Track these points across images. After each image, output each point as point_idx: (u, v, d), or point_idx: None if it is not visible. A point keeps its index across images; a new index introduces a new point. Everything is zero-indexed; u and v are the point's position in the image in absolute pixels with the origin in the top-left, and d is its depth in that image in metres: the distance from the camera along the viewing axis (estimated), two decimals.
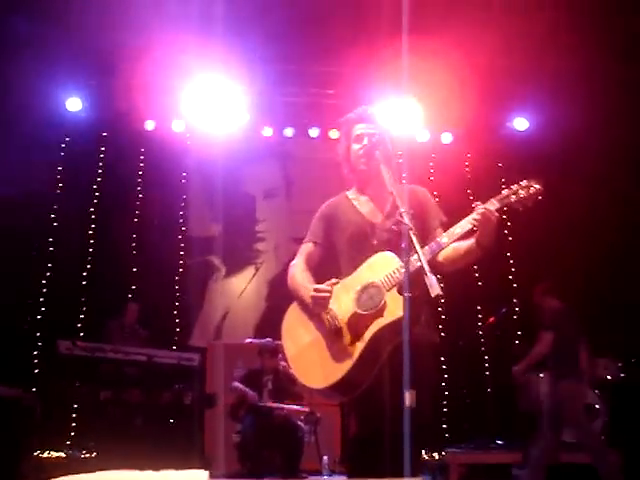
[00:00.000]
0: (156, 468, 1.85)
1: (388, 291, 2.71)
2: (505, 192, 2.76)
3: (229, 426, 6.69)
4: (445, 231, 2.85)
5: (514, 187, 2.76)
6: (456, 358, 8.20)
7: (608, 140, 7.62)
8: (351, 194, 3.16)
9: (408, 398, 2.21)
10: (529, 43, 7.23)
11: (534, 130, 9.30)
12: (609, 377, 6.98)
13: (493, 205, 2.71)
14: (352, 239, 2.99)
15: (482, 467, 6.35)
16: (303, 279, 2.97)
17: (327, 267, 3.06)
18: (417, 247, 2.44)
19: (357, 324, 2.74)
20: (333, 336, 2.78)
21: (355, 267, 2.87)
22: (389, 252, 2.80)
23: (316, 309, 2.82)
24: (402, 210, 2.53)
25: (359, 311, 2.74)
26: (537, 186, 2.73)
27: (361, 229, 2.98)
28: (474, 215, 2.71)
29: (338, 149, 3.19)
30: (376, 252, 2.85)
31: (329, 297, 2.80)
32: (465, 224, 2.72)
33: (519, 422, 7.26)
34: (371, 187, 3.07)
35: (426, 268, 2.34)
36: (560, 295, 6.00)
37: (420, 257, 2.40)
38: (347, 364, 2.69)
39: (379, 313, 2.70)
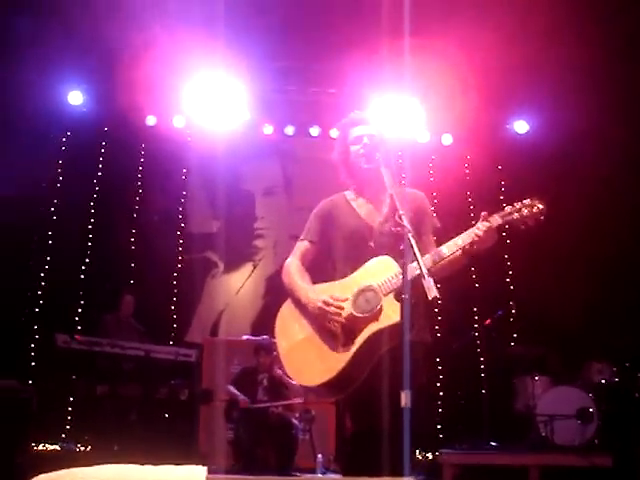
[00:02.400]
0: (152, 463, 1.87)
1: (385, 296, 2.73)
2: (508, 209, 2.78)
3: (224, 423, 6.71)
4: (436, 236, 2.89)
5: (517, 205, 2.78)
6: (451, 359, 8.23)
7: (609, 143, 7.63)
8: (349, 195, 3.17)
9: (404, 398, 2.24)
10: (530, 45, 7.24)
11: (534, 133, 9.32)
12: (603, 381, 6.99)
13: (496, 221, 2.75)
14: (349, 241, 3.00)
15: (476, 468, 6.36)
16: (301, 279, 2.99)
17: (321, 265, 3.07)
18: (415, 250, 2.45)
19: (352, 326, 2.75)
20: (327, 336, 2.80)
21: (351, 268, 2.89)
22: (388, 257, 2.81)
23: (321, 320, 2.82)
24: (401, 212, 2.55)
25: (355, 313, 2.75)
26: (540, 206, 2.75)
27: (359, 231, 2.99)
28: (477, 230, 2.73)
29: (334, 154, 3.18)
30: (373, 255, 2.87)
31: (340, 312, 2.79)
32: (467, 237, 2.75)
33: (513, 424, 7.29)
34: (369, 189, 3.09)
35: (424, 271, 2.37)
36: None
37: (418, 259, 2.42)
38: (339, 365, 2.70)
39: (375, 317, 2.71)
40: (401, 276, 2.66)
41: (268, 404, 6.34)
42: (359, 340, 2.71)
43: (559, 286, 7.79)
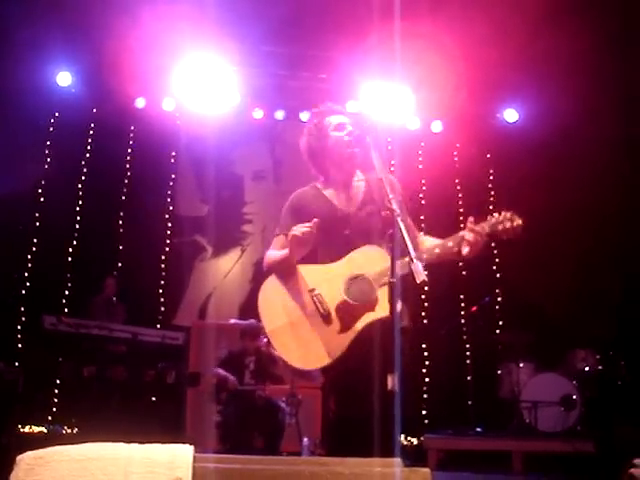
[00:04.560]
0: (141, 442, 1.88)
1: (380, 288, 2.72)
2: (494, 220, 2.82)
3: (211, 405, 6.73)
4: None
5: (500, 217, 2.83)
6: (438, 346, 8.29)
7: (597, 132, 7.67)
8: (320, 184, 3.16)
9: (391, 381, 2.25)
10: (520, 33, 7.24)
11: (523, 122, 9.34)
12: (587, 369, 7.07)
13: (484, 230, 2.80)
14: (325, 229, 2.92)
15: (460, 453, 6.43)
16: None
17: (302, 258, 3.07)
18: (404, 234, 2.46)
19: (347, 313, 2.75)
20: (319, 319, 2.78)
21: (330, 256, 2.89)
22: (378, 247, 2.81)
23: (295, 242, 2.81)
24: (391, 197, 2.56)
25: (350, 301, 2.75)
26: (519, 222, 2.83)
27: (332, 219, 2.97)
28: (467, 236, 2.77)
29: (310, 140, 3.16)
30: (349, 242, 2.88)
31: (313, 231, 2.79)
32: (453, 245, 2.80)
33: (498, 410, 7.36)
34: (336, 179, 3.09)
35: (412, 254, 2.37)
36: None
37: (407, 244, 2.42)
38: (338, 351, 2.70)
39: (371, 307, 2.72)
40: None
41: (252, 388, 6.36)
42: (356, 328, 2.71)
43: (545, 274, 7.84)
